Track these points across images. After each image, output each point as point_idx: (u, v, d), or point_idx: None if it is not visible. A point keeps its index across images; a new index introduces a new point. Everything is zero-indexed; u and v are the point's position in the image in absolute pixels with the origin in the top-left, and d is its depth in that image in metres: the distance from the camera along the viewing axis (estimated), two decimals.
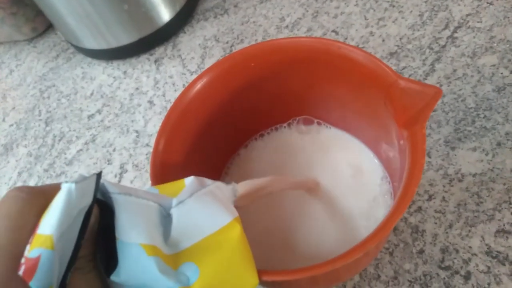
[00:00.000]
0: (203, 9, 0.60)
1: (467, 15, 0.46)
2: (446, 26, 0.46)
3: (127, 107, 0.53)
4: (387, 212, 0.31)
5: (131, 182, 0.46)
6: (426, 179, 0.37)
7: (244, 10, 0.57)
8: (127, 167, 0.47)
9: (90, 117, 0.54)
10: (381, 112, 0.29)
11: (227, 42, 0.55)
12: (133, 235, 0.19)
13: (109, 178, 0.47)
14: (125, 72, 0.57)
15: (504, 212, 0.34)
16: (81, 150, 0.51)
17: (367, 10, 0.51)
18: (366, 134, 0.35)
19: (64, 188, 0.17)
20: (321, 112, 0.37)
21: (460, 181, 0.36)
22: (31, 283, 0.16)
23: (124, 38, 0.55)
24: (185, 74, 0.53)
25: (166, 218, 0.22)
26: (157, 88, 0.53)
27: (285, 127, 0.39)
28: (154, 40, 0.57)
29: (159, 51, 0.58)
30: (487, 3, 0.46)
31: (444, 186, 0.36)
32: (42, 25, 0.67)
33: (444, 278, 0.32)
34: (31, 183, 0.50)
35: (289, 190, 0.34)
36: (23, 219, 0.18)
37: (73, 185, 0.17)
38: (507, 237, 0.33)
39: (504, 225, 0.33)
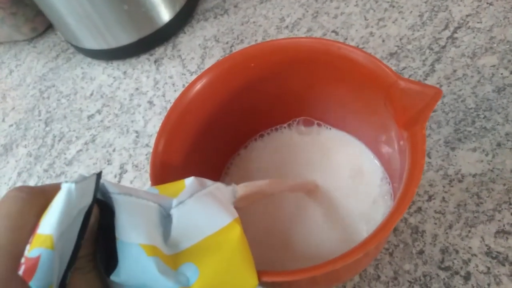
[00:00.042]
0: (203, 9, 0.60)
1: (467, 15, 0.46)
2: (446, 27, 0.46)
3: (127, 108, 0.53)
4: (387, 212, 0.31)
5: (131, 182, 0.46)
6: (426, 180, 0.37)
7: (244, 10, 0.57)
8: (127, 167, 0.47)
9: (90, 117, 0.54)
10: (381, 113, 0.29)
11: (227, 43, 0.55)
12: (133, 235, 0.19)
13: (108, 178, 0.47)
14: (125, 72, 0.57)
15: (504, 213, 0.34)
16: (81, 150, 0.51)
17: (367, 11, 0.51)
18: (366, 134, 0.35)
19: (64, 188, 0.17)
20: (321, 113, 0.37)
21: (460, 181, 0.36)
22: (31, 283, 0.16)
23: (124, 38, 0.55)
24: (185, 74, 0.53)
25: (166, 219, 0.22)
26: (157, 88, 0.53)
27: (285, 127, 0.39)
28: (154, 40, 0.57)
29: (159, 51, 0.58)
30: (487, 3, 0.46)
31: (444, 187, 0.36)
32: (42, 25, 0.67)
33: (444, 278, 0.32)
34: (31, 183, 0.50)
35: (288, 192, 0.34)
36: (23, 219, 0.18)
37: (73, 185, 0.17)
38: (507, 238, 0.33)
39: (504, 225, 0.33)
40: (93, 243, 0.20)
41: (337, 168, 0.36)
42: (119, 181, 0.46)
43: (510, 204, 0.34)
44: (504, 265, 0.32)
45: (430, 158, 0.38)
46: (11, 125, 0.58)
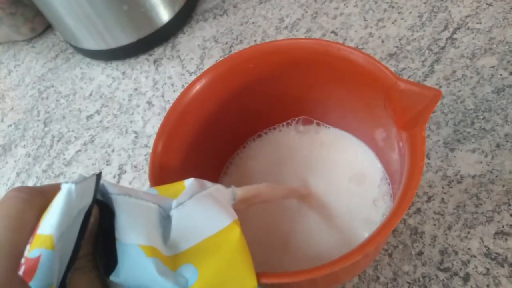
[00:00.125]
0: (202, 9, 0.60)
1: (467, 16, 0.46)
2: (446, 27, 0.46)
3: (126, 108, 0.53)
4: (386, 213, 0.31)
5: (130, 183, 0.46)
6: (425, 181, 0.37)
7: (244, 10, 0.57)
8: (126, 168, 0.47)
9: (89, 117, 0.54)
10: (381, 114, 0.29)
11: (226, 43, 0.55)
12: (132, 236, 0.19)
13: (107, 179, 0.47)
14: (124, 73, 0.57)
15: (503, 214, 0.34)
16: (79, 150, 0.51)
17: (366, 11, 0.51)
18: (366, 134, 0.35)
19: (64, 188, 0.17)
20: (320, 113, 0.37)
21: (459, 182, 0.36)
22: (31, 283, 0.16)
23: (123, 39, 0.55)
24: (184, 74, 0.53)
25: (165, 220, 0.22)
26: (156, 88, 0.53)
27: (283, 125, 0.39)
28: (153, 41, 0.57)
29: (158, 51, 0.58)
30: (487, 4, 0.46)
31: (443, 188, 0.36)
32: (41, 26, 0.67)
33: (443, 279, 0.32)
34: (30, 183, 0.50)
35: (283, 199, 0.34)
36: (23, 219, 0.18)
37: (73, 186, 0.17)
38: (506, 239, 0.33)
39: (503, 226, 0.33)
40: (93, 243, 0.20)
41: (336, 168, 0.36)
42: (118, 182, 0.46)
43: (509, 205, 0.34)
44: (503, 266, 0.32)
45: (429, 159, 0.38)
46: (10, 126, 0.57)
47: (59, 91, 0.59)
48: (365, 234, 0.32)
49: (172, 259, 0.21)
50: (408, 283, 0.32)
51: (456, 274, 0.32)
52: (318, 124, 0.38)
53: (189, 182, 0.23)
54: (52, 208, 0.17)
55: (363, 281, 0.33)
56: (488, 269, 0.32)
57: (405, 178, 0.24)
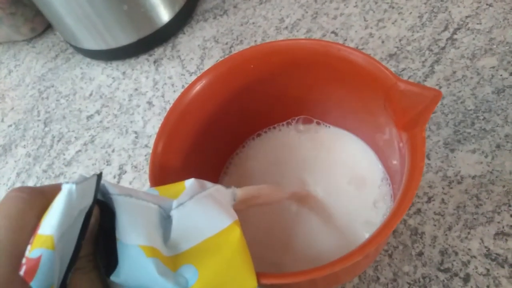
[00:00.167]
0: (203, 10, 0.60)
1: (467, 16, 0.46)
2: (446, 28, 0.46)
3: (126, 108, 0.53)
4: (387, 214, 0.31)
5: (130, 183, 0.46)
6: (425, 181, 0.37)
7: (244, 11, 0.57)
8: (126, 168, 0.47)
9: (89, 117, 0.54)
10: (381, 114, 0.29)
11: (226, 43, 0.55)
12: (133, 236, 0.19)
13: (108, 179, 0.47)
14: (124, 73, 0.57)
15: (504, 215, 0.34)
16: (80, 151, 0.51)
17: (366, 12, 0.51)
18: (366, 134, 0.35)
19: (65, 188, 0.17)
20: (320, 113, 0.37)
21: (459, 183, 0.36)
22: (32, 283, 0.16)
23: (123, 39, 0.55)
24: (184, 75, 0.53)
25: (166, 220, 0.22)
26: (156, 89, 0.53)
27: (283, 125, 0.39)
28: (153, 41, 0.57)
29: (158, 51, 0.58)
30: (487, 4, 0.46)
31: (443, 188, 0.36)
32: (41, 26, 0.67)
33: (443, 280, 0.32)
34: (30, 183, 0.50)
35: (282, 202, 0.34)
36: (24, 219, 0.18)
37: (73, 186, 0.17)
38: (506, 240, 0.33)
39: (503, 227, 0.33)
40: (93, 243, 0.20)
41: (336, 168, 0.36)
42: (118, 182, 0.46)
43: (509, 206, 0.34)
44: (503, 267, 0.32)
45: (429, 159, 0.38)
46: (10, 126, 0.57)
47: (59, 91, 0.59)
48: (366, 235, 0.32)
49: (172, 260, 0.21)
50: (408, 283, 0.32)
51: (456, 274, 0.32)
52: (318, 123, 0.38)
53: (190, 183, 0.23)
54: (52, 209, 0.17)
55: (363, 281, 0.33)
56: (488, 270, 0.32)
57: (405, 179, 0.24)
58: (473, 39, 0.44)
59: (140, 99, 0.53)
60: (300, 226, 0.33)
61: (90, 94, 0.56)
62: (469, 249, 0.33)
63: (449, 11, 0.47)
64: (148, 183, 0.29)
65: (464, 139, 0.38)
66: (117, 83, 0.56)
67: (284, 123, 0.39)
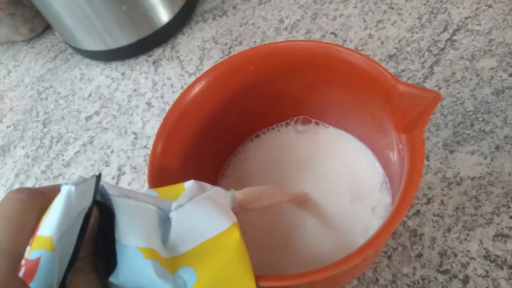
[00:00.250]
0: (202, 10, 0.60)
1: (466, 18, 0.46)
2: (445, 29, 0.46)
3: (125, 109, 0.53)
4: (386, 216, 0.31)
5: (129, 184, 0.46)
6: (424, 183, 0.37)
7: (243, 11, 0.57)
8: (125, 169, 0.47)
9: (88, 118, 0.54)
10: (380, 116, 0.29)
11: (225, 44, 0.55)
12: (132, 237, 0.19)
13: (106, 180, 0.47)
14: (123, 74, 0.57)
15: (503, 216, 0.34)
16: (78, 151, 0.51)
17: (366, 13, 0.51)
18: (365, 136, 0.35)
19: (64, 190, 0.17)
20: (319, 114, 0.37)
21: (458, 184, 0.36)
22: (31, 285, 0.16)
23: (123, 39, 0.55)
24: (183, 75, 0.53)
25: (165, 222, 0.22)
26: (155, 89, 0.53)
27: (282, 125, 0.39)
28: (152, 42, 0.57)
29: (157, 52, 0.57)
30: (486, 6, 0.46)
31: (442, 190, 0.36)
32: (40, 26, 0.67)
33: (442, 282, 0.32)
34: (29, 184, 0.50)
35: (282, 205, 0.34)
36: (23, 220, 0.18)
37: (72, 187, 0.17)
38: (505, 241, 0.33)
39: (502, 229, 0.33)
40: (93, 244, 0.20)
41: (335, 168, 0.36)
42: (117, 183, 0.46)
43: (508, 207, 0.34)
44: (502, 268, 0.32)
45: (428, 161, 0.38)
46: (9, 126, 0.57)
47: (58, 91, 0.59)
48: (364, 237, 0.32)
49: (171, 262, 0.21)
50: (408, 285, 0.32)
51: (455, 276, 0.32)
52: (317, 123, 0.38)
53: (189, 184, 0.23)
54: (52, 210, 0.17)
55: (362, 283, 0.33)
56: (487, 272, 0.32)
57: (404, 180, 0.24)
58: (473, 40, 0.44)
59: (139, 100, 0.53)
60: (299, 228, 0.33)
61: (89, 95, 0.56)
62: (468, 251, 0.33)
63: (449, 12, 0.47)
64: (147, 184, 0.29)
65: (464, 140, 0.38)
66: (116, 83, 0.56)
67: (283, 123, 0.39)
